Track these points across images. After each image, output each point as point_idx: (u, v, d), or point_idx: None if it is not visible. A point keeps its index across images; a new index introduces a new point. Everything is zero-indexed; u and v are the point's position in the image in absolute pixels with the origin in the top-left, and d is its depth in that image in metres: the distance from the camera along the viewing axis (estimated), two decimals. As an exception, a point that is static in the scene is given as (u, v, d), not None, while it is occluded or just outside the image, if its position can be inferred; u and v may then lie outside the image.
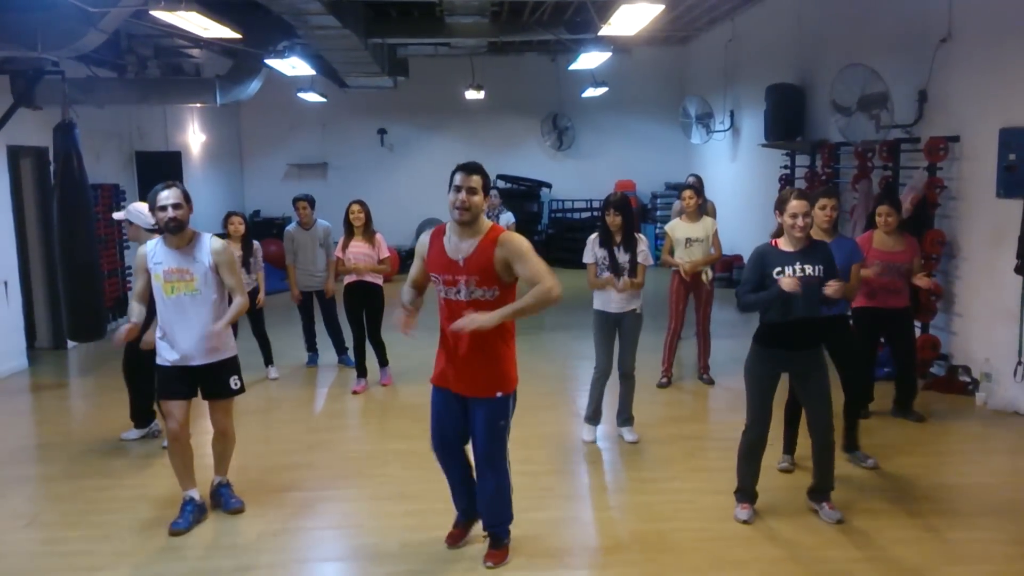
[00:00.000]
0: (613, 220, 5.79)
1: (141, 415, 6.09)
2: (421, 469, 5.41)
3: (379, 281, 7.29)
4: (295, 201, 8.21)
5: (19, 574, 4.20)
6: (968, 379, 6.87)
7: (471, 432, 4.05)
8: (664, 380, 7.39)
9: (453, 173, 3.85)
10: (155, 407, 5.90)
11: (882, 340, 6.27)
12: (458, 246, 3.85)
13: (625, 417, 6.00)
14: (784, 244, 4.47)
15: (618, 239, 5.79)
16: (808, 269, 4.36)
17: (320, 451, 6.13)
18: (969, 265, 7.02)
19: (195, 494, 4.73)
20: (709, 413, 6.97)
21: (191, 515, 4.64)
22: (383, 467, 5.61)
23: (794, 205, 4.35)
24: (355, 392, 7.24)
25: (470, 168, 3.83)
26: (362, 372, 7.38)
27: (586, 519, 4.79)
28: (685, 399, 7.21)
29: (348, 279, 7.22)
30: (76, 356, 8.98)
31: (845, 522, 4.54)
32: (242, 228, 7.49)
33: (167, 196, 4.40)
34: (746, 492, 4.67)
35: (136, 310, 4.66)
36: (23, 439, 6.47)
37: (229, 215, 7.63)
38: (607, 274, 5.72)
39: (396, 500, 4.99)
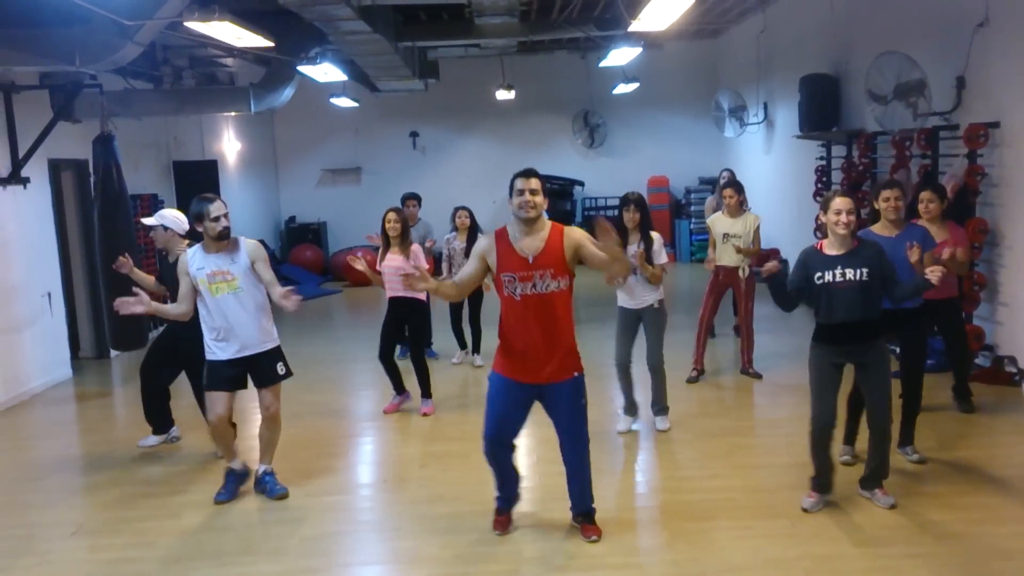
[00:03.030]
0: (632, 217, 5.86)
1: (159, 419, 6.18)
2: (460, 471, 5.45)
3: (422, 296, 6.81)
4: (405, 199, 8.41)
5: (68, 580, 4.28)
6: (1015, 369, 6.72)
7: (556, 416, 4.28)
8: (694, 374, 7.33)
9: (513, 180, 4.16)
10: (171, 412, 6.20)
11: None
12: (526, 243, 4.10)
13: (660, 407, 6.10)
14: (829, 247, 4.47)
15: (636, 236, 5.83)
16: (849, 273, 4.36)
17: (359, 453, 6.18)
18: (1013, 253, 6.85)
19: (236, 464, 5.20)
20: (750, 409, 6.89)
21: (233, 485, 5.15)
22: (421, 469, 5.63)
23: (837, 202, 4.39)
24: (386, 411, 6.84)
25: (528, 172, 4.16)
26: (399, 388, 6.91)
27: (625, 518, 4.75)
28: (725, 395, 7.14)
29: (389, 293, 6.79)
30: (119, 365, 9.13)
31: (897, 508, 4.51)
32: (468, 221, 7.98)
33: (219, 207, 4.86)
34: (821, 481, 4.64)
35: (178, 308, 5.00)
36: (68, 448, 6.59)
37: (458, 209, 8.21)
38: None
39: (435, 502, 4.99)
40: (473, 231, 8.14)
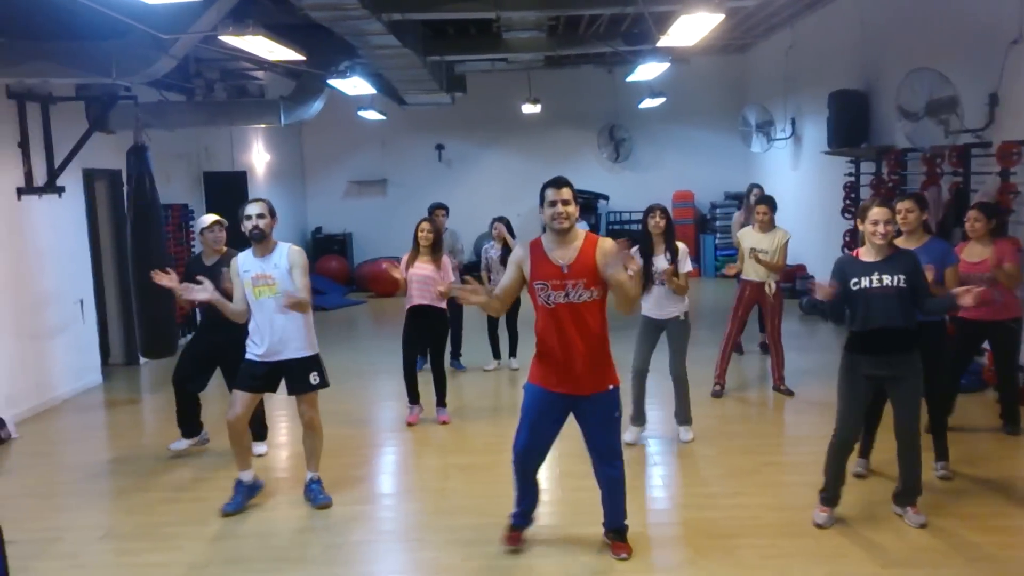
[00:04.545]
0: (657, 223, 5.88)
1: (190, 425, 6.24)
2: (484, 483, 5.46)
3: (443, 305, 6.83)
4: (433, 209, 8.43)
5: (97, 584, 4.34)
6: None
7: (589, 429, 4.25)
8: (717, 388, 7.29)
9: (543, 191, 4.14)
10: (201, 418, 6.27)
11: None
12: (560, 252, 4.10)
13: (683, 418, 6.12)
14: (865, 254, 4.46)
15: (661, 247, 5.83)
16: (887, 279, 4.34)
17: (383, 463, 6.21)
18: (1046, 273, 6.76)
19: (246, 476, 5.21)
20: (777, 425, 6.84)
21: (241, 497, 5.15)
22: (445, 480, 5.65)
23: (875, 212, 4.38)
24: (409, 423, 6.85)
25: (559, 182, 4.12)
26: (414, 398, 6.96)
27: (649, 534, 4.72)
28: (751, 411, 7.10)
29: (410, 301, 6.82)
30: (148, 372, 9.24)
31: (927, 527, 4.48)
32: (505, 231, 8.06)
33: (252, 208, 5.01)
34: (830, 495, 4.63)
35: (237, 307, 5.10)
36: (98, 453, 6.67)
37: (495, 220, 8.33)
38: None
39: (458, 514, 5.01)
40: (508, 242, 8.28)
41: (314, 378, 5.13)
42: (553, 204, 4.07)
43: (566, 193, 4.08)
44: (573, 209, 4.09)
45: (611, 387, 4.20)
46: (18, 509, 5.32)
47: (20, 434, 6.95)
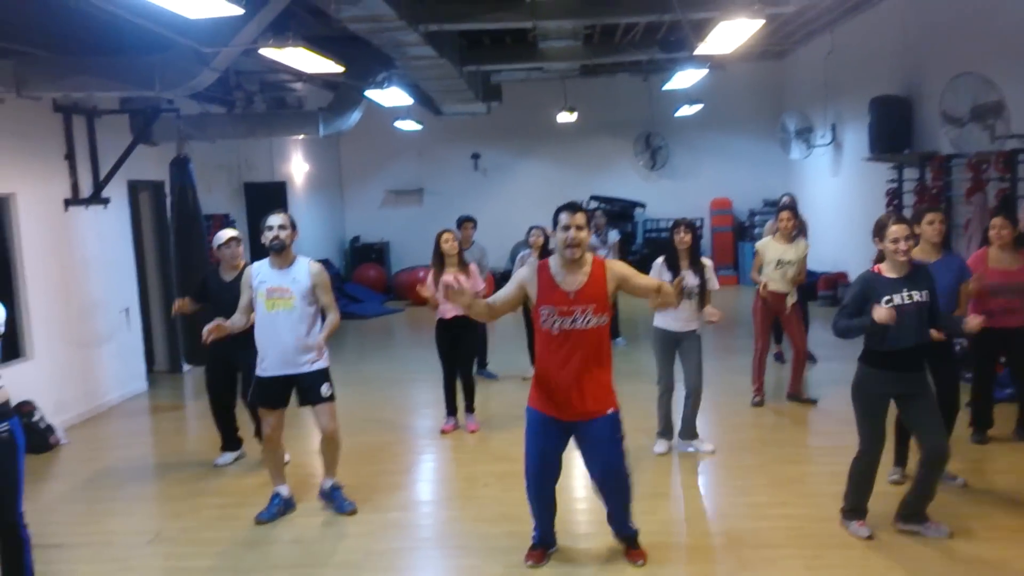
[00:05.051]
0: (683, 239, 5.89)
1: (230, 436, 6.31)
2: (520, 491, 5.42)
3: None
4: (462, 221, 8.45)
5: (144, 588, 4.41)
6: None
7: (590, 454, 4.21)
8: (757, 399, 7.24)
9: (557, 214, 4.10)
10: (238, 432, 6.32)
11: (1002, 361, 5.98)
12: (569, 279, 4.06)
13: (691, 433, 6.12)
14: (888, 270, 4.39)
15: (685, 262, 5.81)
16: (916, 295, 4.30)
17: (421, 470, 6.24)
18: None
19: (283, 490, 5.24)
20: (817, 436, 6.75)
21: (276, 508, 5.17)
22: (483, 488, 5.66)
23: (894, 230, 4.29)
24: (444, 431, 6.87)
25: (573, 207, 4.10)
26: (452, 410, 6.99)
27: (692, 544, 4.69)
28: (784, 422, 6.99)
29: (441, 313, 6.81)
30: (191, 379, 9.38)
31: (974, 541, 4.41)
32: (541, 239, 7.87)
33: (274, 219, 4.96)
34: (856, 510, 4.58)
35: (237, 319, 5.07)
36: (143, 458, 6.79)
37: (533, 228, 8.11)
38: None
39: (497, 521, 5.01)
40: (546, 249, 8.18)
41: (326, 390, 5.08)
42: (567, 229, 4.02)
43: (580, 219, 4.03)
44: (585, 235, 4.06)
45: (611, 411, 4.14)
46: (68, 513, 5.44)
47: (69, 440, 7.09)
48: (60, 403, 7.36)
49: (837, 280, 11.93)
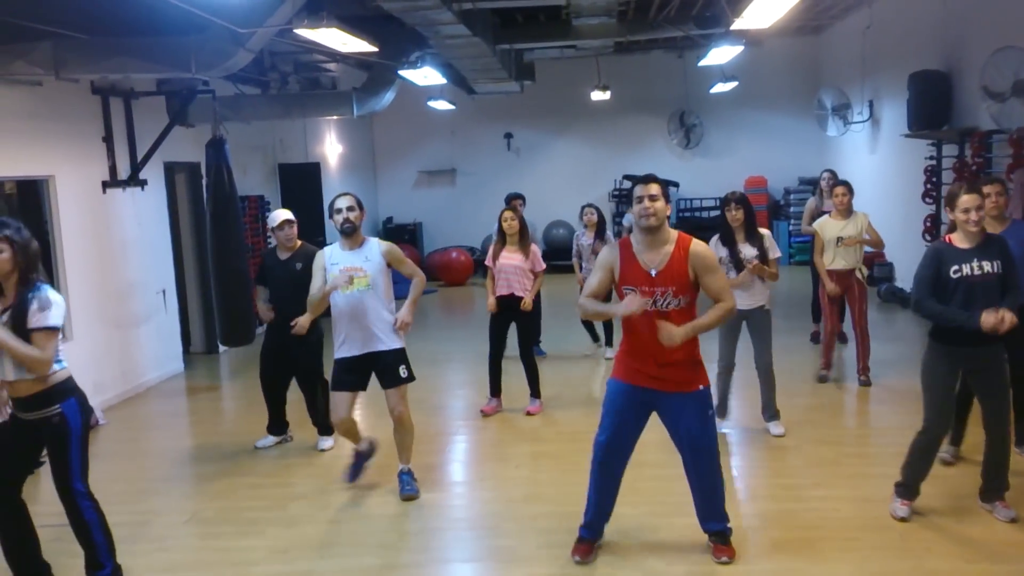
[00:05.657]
0: (735, 216, 5.81)
1: (277, 424, 6.35)
2: (555, 472, 5.46)
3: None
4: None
5: (184, 566, 4.49)
6: None
7: (683, 430, 4.10)
8: (824, 373, 7.21)
9: (631, 188, 4.12)
10: (286, 418, 6.35)
11: None
12: (649, 257, 3.98)
13: (771, 412, 6.02)
14: (959, 240, 4.32)
15: (741, 236, 5.76)
16: (987, 266, 4.23)
17: (456, 451, 6.26)
18: None
19: (362, 445, 5.36)
20: (861, 416, 6.68)
21: (358, 465, 5.35)
22: (517, 469, 5.66)
23: (965, 200, 4.22)
24: (484, 412, 6.82)
25: (647, 178, 4.06)
26: (495, 391, 6.94)
27: (732, 525, 4.65)
28: (836, 402, 6.91)
29: (499, 291, 6.76)
30: (227, 360, 9.50)
31: (1018, 522, 4.32)
32: (595, 218, 8.11)
33: (343, 201, 5.06)
34: (909, 488, 4.53)
35: (315, 295, 5.10)
36: (182, 439, 6.89)
37: (585, 206, 8.37)
38: (732, 274, 5.65)
39: (532, 502, 5.02)
40: (601, 227, 8.33)
41: (403, 371, 5.14)
42: (640, 200, 3.95)
43: (654, 188, 3.96)
44: (661, 205, 3.95)
45: (701, 387, 4.07)
46: (107, 493, 5.45)
47: (107, 420, 7.22)
48: (98, 384, 7.47)
49: (874, 259, 11.73)
